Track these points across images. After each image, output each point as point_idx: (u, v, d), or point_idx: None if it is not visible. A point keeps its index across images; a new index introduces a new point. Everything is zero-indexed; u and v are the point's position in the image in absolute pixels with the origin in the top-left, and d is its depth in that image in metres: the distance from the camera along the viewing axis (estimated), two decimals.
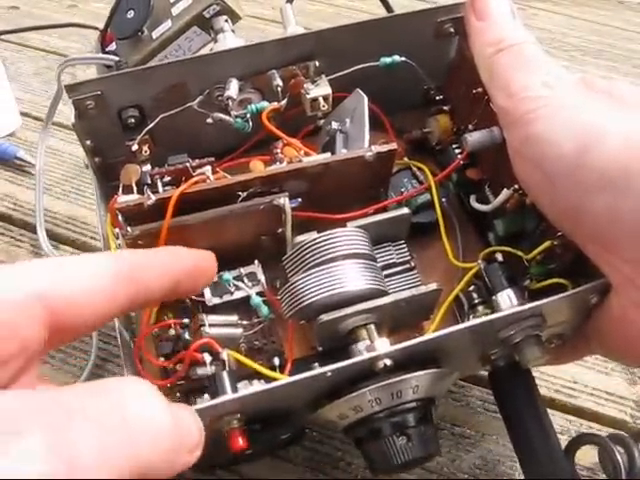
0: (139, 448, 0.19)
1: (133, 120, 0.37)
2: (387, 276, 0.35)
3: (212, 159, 0.35)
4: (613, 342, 0.31)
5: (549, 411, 0.35)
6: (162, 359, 0.34)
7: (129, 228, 0.32)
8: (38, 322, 0.22)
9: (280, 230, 0.34)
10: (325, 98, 0.37)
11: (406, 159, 0.40)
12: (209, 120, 0.37)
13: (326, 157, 0.34)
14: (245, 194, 0.33)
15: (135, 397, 0.20)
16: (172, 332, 0.35)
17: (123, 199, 0.32)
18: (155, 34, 0.41)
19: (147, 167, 0.35)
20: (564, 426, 0.43)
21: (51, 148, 0.59)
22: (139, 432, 0.19)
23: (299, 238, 0.34)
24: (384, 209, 0.36)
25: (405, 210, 0.35)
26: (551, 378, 0.45)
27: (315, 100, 0.37)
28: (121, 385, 0.21)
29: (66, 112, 0.46)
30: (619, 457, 0.35)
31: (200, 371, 0.31)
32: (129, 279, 0.25)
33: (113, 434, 0.19)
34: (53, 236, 0.52)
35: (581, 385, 0.45)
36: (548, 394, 0.44)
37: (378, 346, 0.31)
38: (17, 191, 0.57)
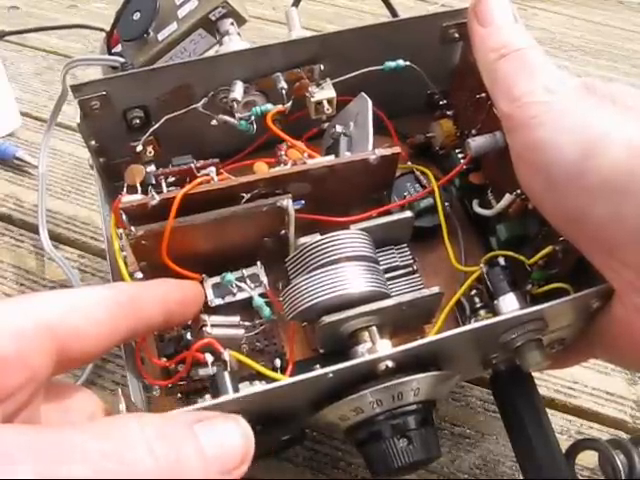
0: None
1: (138, 121, 0.37)
2: (389, 279, 0.35)
3: (216, 160, 0.35)
4: (616, 347, 0.32)
5: (549, 411, 0.35)
6: (164, 359, 0.34)
7: (133, 228, 0.32)
8: (46, 352, 0.23)
9: (283, 232, 0.35)
10: (329, 101, 0.37)
11: (409, 163, 0.40)
12: (214, 122, 0.37)
13: (330, 159, 0.34)
14: (249, 195, 0.33)
15: (136, 440, 0.20)
16: (174, 332, 0.35)
17: (127, 199, 0.32)
18: (161, 36, 0.41)
19: (151, 168, 0.35)
20: (564, 426, 0.43)
21: (52, 148, 0.59)
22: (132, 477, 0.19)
23: (302, 240, 0.34)
24: (387, 212, 0.36)
25: (408, 213, 0.35)
26: (551, 378, 0.45)
27: (319, 103, 0.37)
28: (124, 428, 0.21)
29: (67, 112, 0.47)
30: (619, 462, 0.35)
31: (202, 371, 0.31)
32: (129, 310, 0.26)
33: (106, 477, 0.19)
34: (53, 236, 0.52)
35: (581, 385, 0.45)
36: (548, 394, 0.44)
37: (380, 348, 0.31)
38: (17, 191, 0.57)
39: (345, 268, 0.32)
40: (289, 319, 0.33)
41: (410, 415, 0.30)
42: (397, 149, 0.35)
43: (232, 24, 0.40)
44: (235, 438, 0.23)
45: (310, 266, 0.32)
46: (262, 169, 0.36)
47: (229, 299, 0.34)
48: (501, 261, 0.35)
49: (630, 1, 0.87)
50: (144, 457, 0.20)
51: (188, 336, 0.34)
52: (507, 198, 0.35)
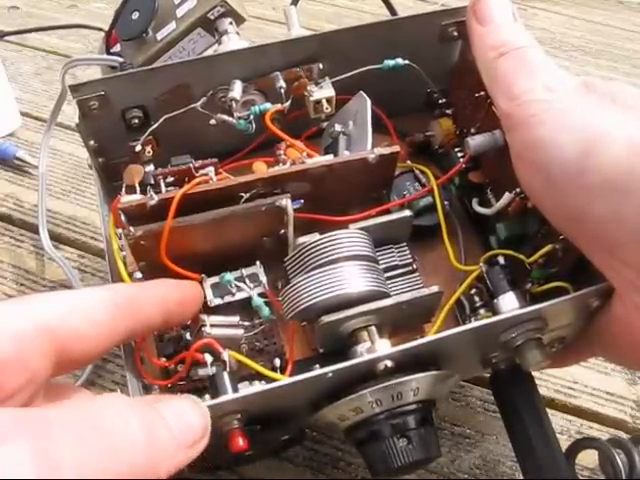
0: (115, 458, 0.20)
1: (137, 120, 0.37)
2: (389, 278, 0.35)
3: (215, 160, 0.35)
4: (616, 346, 0.32)
5: (549, 411, 0.35)
6: (163, 359, 0.34)
7: (132, 228, 0.32)
8: (46, 354, 0.23)
9: (282, 231, 0.34)
10: (328, 100, 0.37)
11: (409, 162, 0.40)
12: (212, 121, 0.37)
13: (329, 159, 0.34)
14: (248, 195, 0.33)
15: (111, 413, 0.21)
16: (173, 332, 0.35)
17: (126, 199, 0.32)
18: (159, 36, 0.41)
19: (150, 167, 0.35)
20: (564, 426, 0.43)
21: (52, 148, 0.59)
22: (114, 445, 0.20)
23: (301, 239, 0.34)
24: (386, 211, 0.36)
25: (407, 212, 0.35)
26: (551, 378, 0.45)
27: (318, 102, 0.37)
28: (98, 403, 0.22)
29: (67, 112, 0.46)
30: (619, 461, 0.35)
31: (201, 371, 0.31)
32: (127, 311, 0.26)
33: (91, 446, 0.20)
34: (53, 236, 0.52)
35: (581, 385, 0.45)
36: (548, 394, 0.44)
37: (379, 347, 0.31)
38: (17, 191, 0.57)
39: (344, 268, 0.32)
40: (288, 319, 0.33)
41: (410, 415, 0.30)
42: (396, 148, 0.35)
43: (231, 23, 0.39)
44: (193, 414, 0.24)
45: (309, 266, 0.32)
46: (261, 169, 0.36)
47: (228, 299, 0.34)
48: (501, 260, 0.35)
49: (630, 1, 0.87)
50: (120, 426, 0.21)
51: (187, 336, 0.34)
52: (507, 197, 0.34)
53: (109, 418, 0.21)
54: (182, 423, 0.23)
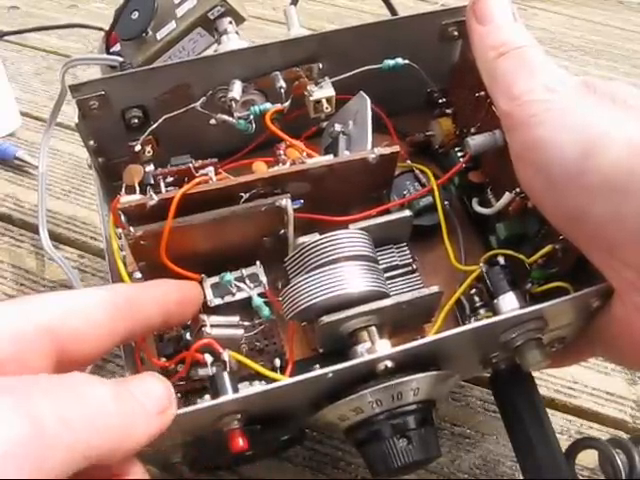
0: (90, 416, 0.21)
1: (136, 120, 0.37)
2: (389, 278, 0.35)
3: (215, 160, 0.35)
4: (616, 346, 0.32)
5: (549, 411, 0.35)
6: (163, 359, 0.34)
7: (132, 228, 0.32)
8: (46, 355, 0.23)
9: (282, 231, 0.34)
10: (328, 100, 0.37)
11: (409, 162, 0.40)
12: (212, 121, 0.37)
13: (329, 159, 0.34)
14: (247, 195, 0.33)
15: (83, 382, 0.22)
16: (173, 332, 0.35)
17: (126, 199, 0.32)
18: (159, 35, 0.41)
19: (150, 167, 0.35)
20: (564, 426, 0.43)
21: (51, 148, 0.59)
22: (88, 405, 0.21)
23: (301, 239, 0.34)
24: (386, 211, 0.36)
25: (407, 212, 0.35)
26: (551, 378, 0.45)
27: (318, 102, 0.37)
28: (68, 375, 0.22)
29: (67, 112, 0.46)
30: (619, 461, 0.35)
31: (201, 372, 0.31)
32: (127, 312, 0.27)
33: (68, 404, 0.21)
34: (53, 236, 0.52)
35: (581, 385, 0.45)
36: (548, 394, 0.44)
37: (379, 348, 0.31)
38: (17, 191, 0.57)
39: (344, 268, 0.32)
40: (288, 319, 0.33)
41: (410, 415, 0.30)
42: (396, 148, 0.34)
43: (230, 23, 0.39)
44: (156, 385, 0.25)
45: (309, 266, 0.32)
46: (261, 169, 0.36)
47: (228, 299, 0.34)
48: (501, 260, 0.35)
49: (630, 1, 0.87)
50: (91, 392, 0.22)
51: (187, 336, 0.34)
52: (507, 197, 0.34)
53: (81, 385, 0.22)
54: (147, 393, 0.24)
